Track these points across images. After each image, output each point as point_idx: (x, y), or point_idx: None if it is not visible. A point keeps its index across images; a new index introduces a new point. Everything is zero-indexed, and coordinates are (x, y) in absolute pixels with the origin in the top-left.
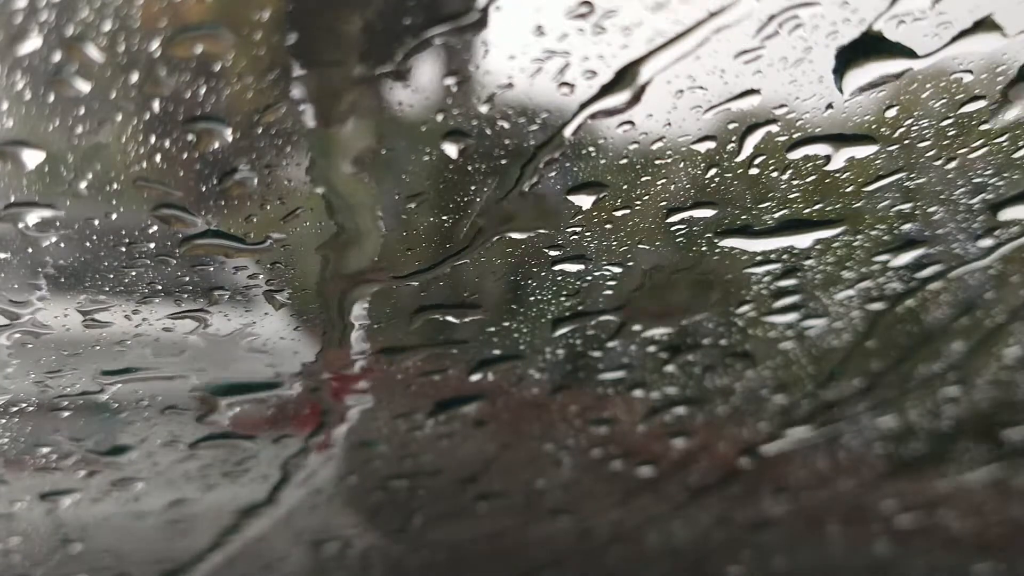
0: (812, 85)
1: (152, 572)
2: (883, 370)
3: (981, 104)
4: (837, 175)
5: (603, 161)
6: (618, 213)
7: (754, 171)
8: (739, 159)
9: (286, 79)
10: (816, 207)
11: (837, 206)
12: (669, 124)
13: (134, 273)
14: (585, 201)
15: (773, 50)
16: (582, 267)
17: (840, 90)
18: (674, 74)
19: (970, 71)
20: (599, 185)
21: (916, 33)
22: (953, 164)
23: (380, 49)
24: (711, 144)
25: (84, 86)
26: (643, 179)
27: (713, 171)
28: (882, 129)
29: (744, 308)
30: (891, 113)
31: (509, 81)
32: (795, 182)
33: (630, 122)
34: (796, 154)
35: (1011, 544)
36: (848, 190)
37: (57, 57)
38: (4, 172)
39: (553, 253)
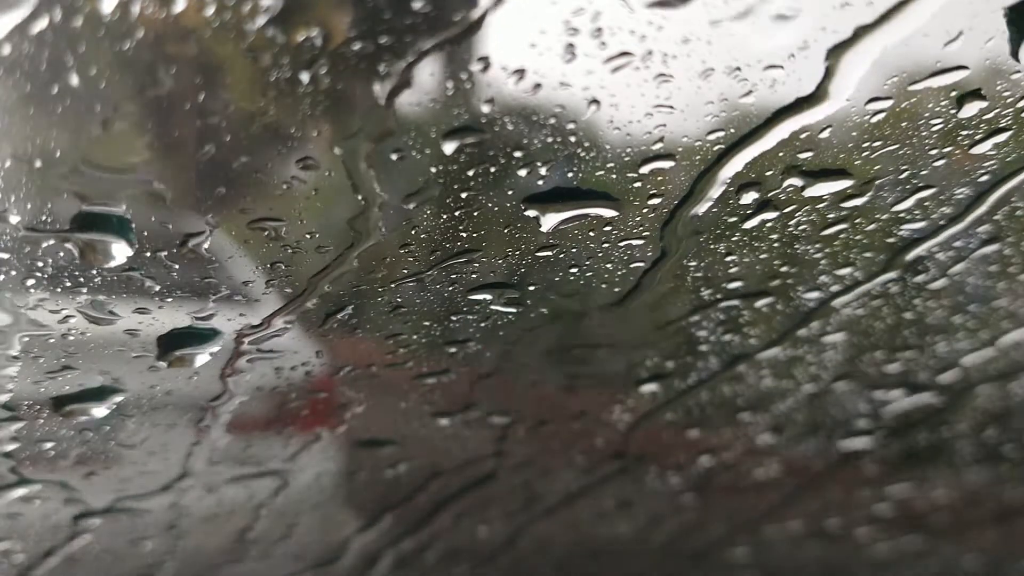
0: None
1: (154, 573)
2: (882, 369)
3: (981, 104)
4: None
5: (604, 162)
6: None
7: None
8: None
9: (288, 78)
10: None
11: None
12: (666, 125)
13: (134, 273)
14: (583, 202)
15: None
16: (580, 268)
17: None
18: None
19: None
20: (600, 189)
21: None
22: (953, 164)
23: (384, 47)
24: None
25: (84, 86)
26: (643, 179)
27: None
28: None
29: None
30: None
31: (516, 82)
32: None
33: (633, 123)
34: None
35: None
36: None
37: (57, 57)
38: (3, 172)
39: (546, 254)
